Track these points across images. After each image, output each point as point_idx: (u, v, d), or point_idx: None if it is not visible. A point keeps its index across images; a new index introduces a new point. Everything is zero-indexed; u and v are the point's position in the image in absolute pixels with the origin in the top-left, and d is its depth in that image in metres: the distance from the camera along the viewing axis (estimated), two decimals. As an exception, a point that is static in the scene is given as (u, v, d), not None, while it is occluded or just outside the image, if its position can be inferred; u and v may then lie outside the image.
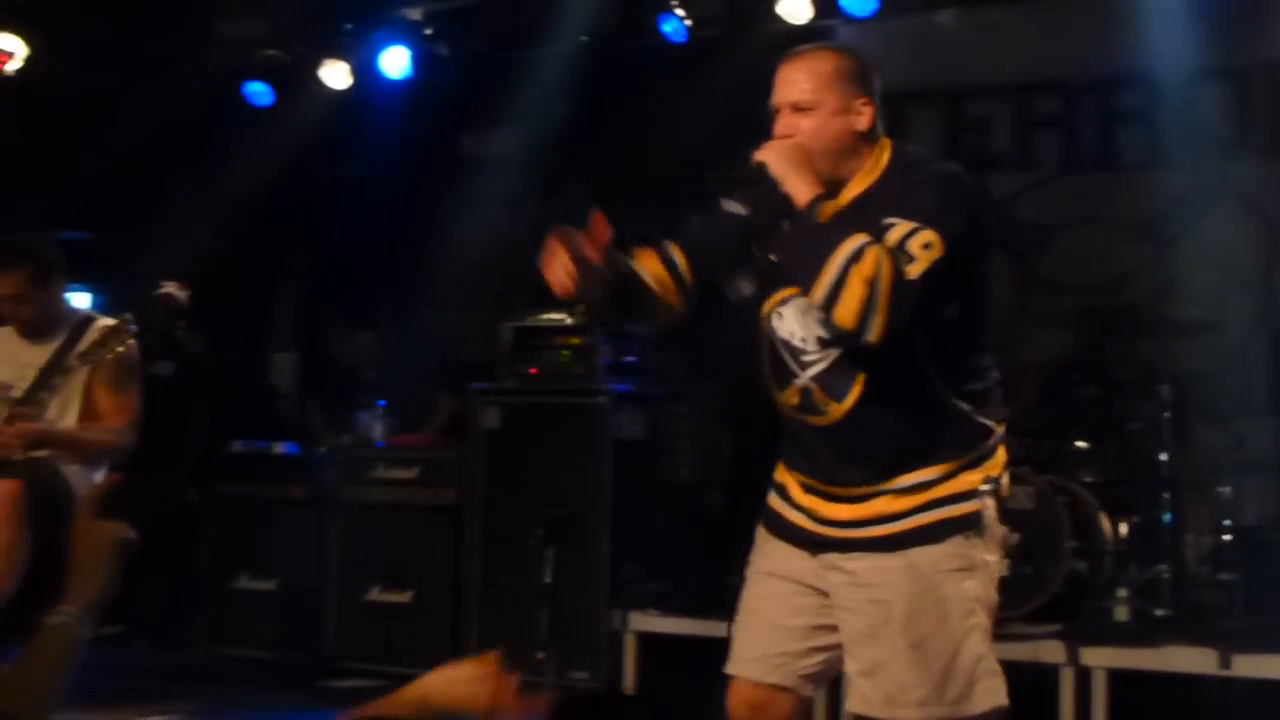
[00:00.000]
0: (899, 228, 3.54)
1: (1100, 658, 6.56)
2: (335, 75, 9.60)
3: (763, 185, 3.72)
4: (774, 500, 4.00)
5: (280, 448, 8.57)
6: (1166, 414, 7.24)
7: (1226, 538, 7.21)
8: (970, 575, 3.73)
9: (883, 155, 3.82)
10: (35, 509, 5.92)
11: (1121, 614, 6.90)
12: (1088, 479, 7.34)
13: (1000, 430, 3.87)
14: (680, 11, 8.80)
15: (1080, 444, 7.52)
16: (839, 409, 3.76)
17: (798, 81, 3.77)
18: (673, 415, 8.22)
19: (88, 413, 6.25)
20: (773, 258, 3.85)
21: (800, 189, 3.64)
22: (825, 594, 3.83)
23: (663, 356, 8.15)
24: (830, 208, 3.70)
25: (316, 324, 10.00)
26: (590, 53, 9.44)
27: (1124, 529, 7.19)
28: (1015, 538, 6.78)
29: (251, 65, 9.72)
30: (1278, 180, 8.42)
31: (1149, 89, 8.75)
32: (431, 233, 10.08)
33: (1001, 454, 3.87)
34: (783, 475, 4.00)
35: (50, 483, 6.12)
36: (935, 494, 3.74)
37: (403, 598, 8.03)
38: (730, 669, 3.97)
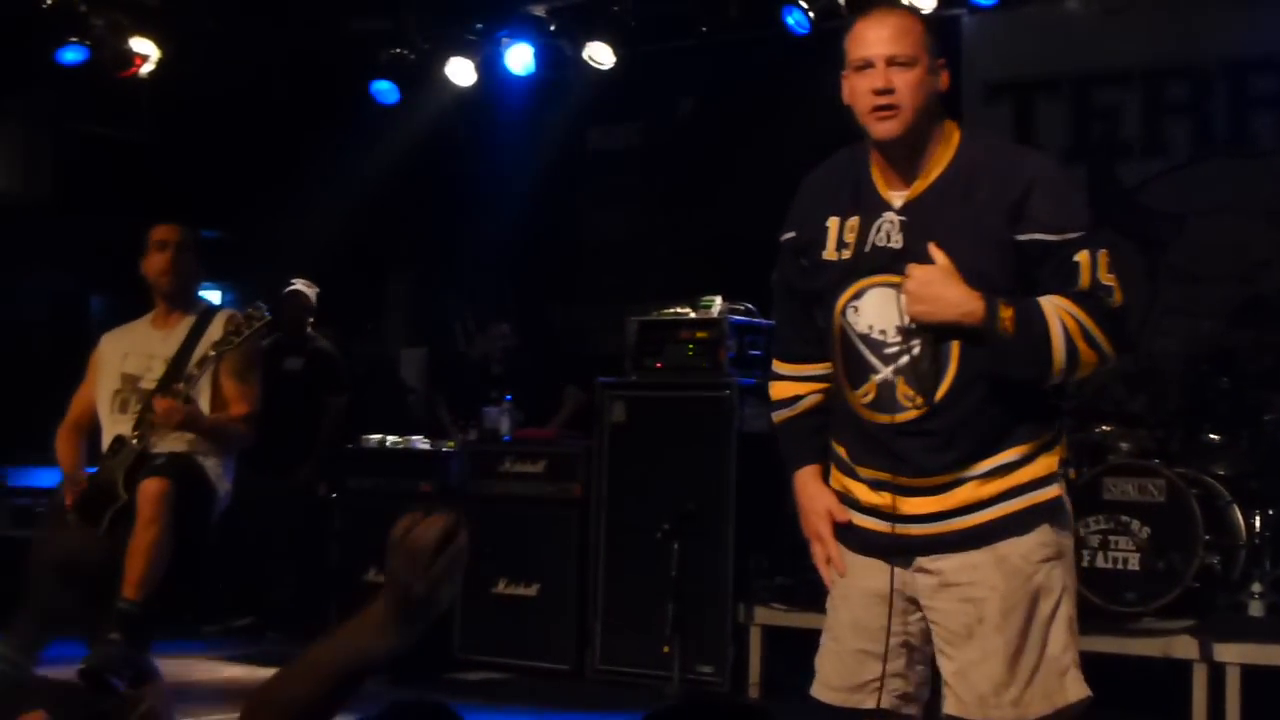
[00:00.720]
0: (1083, 264, 3.56)
1: (1234, 654, 6.47)
2: (460, 72, 9.67)
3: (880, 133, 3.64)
4: (848, 513, 3.86)
5: (409, 442, 8.65)
6: (1300, 405, 7.12)
7: (1363, 530, 7.09)
8: (1058, 563, 3.68)
9: (953, 132, 3.74)
10: (180, 507, 6.00)
11: (1256, 609, 6.80)
12: (1221, 471, 7.24)
13: (1066, 412, 3.88)
14: (803, 3, 8.75)
15: (1213, 436, 7.42)
16: (926, 403, 3.64)
17: (893, 36, 3.64)
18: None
19: (215, 402, 6.30)
20: (829, 255, 3.76)
21: (969, 313, 3.54)
22: (913, 600, 3.74)
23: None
24: (912, 190, 3.68)
25: (444, 319, 10.09)
26: (713, 46, 9.46)
27: (1258, 523, 7.08)
28: (1145, 532, 6.81)
29: (378, 63, 9.80)
30: None
31: (1280, 73, 8.63)
32: (558, 228, 10.16)
33: (1065, 437, 3.81)
34: (843, 481, 3.85)
35: (195, 480, 6.20)
36: (1017, 479, 3.66)
37: (529, 591, 8.09)
38: (816, 693, 3.88)
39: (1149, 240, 8.83)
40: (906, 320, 3.63)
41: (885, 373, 3.69)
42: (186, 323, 6.41)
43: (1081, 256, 3.57)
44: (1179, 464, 7.13)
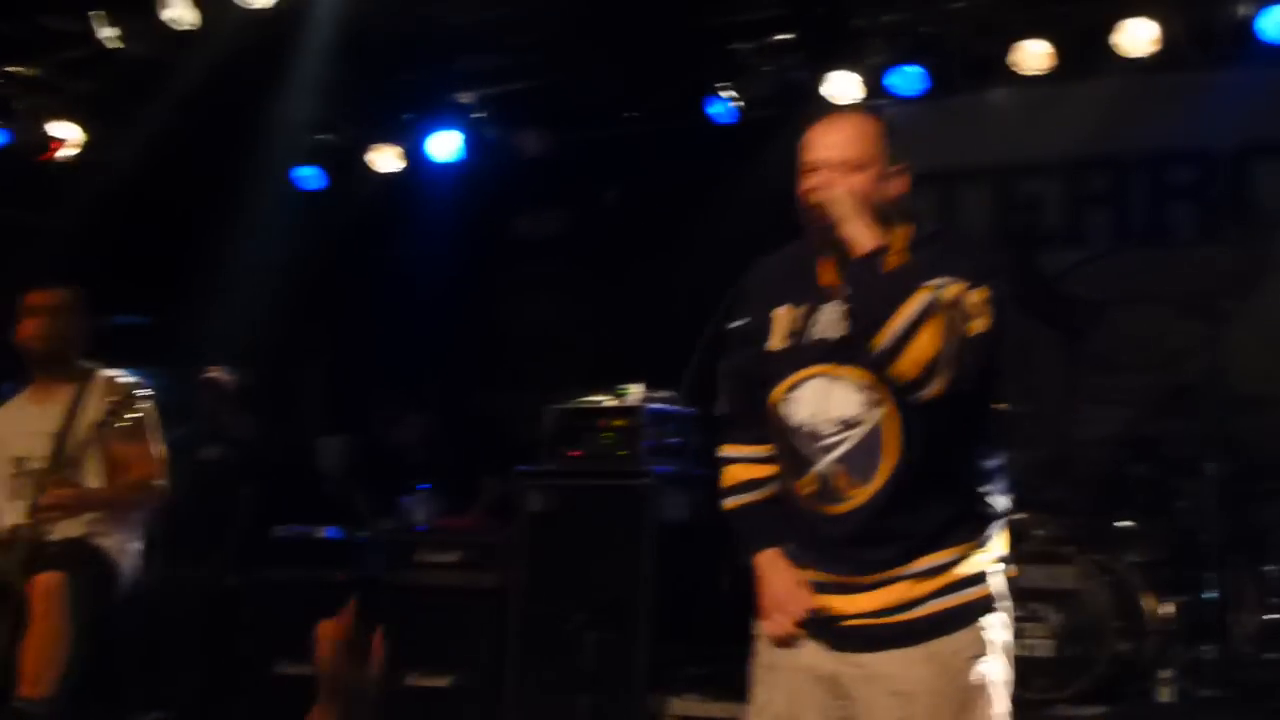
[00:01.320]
0: (953, 286, 3.57)
1: (1145, 740, 6.55)
2: (386, 159, 9.75)
3: (819, 227, 3.68)
4: None
5: (324, 532, 8.65)
6: (1215, 491, 7.21)
7: (1274, 616, 7.17)
8: (990, 660, 3.70)
9: (909, 229, 3.78)
10: (78, 597, 5.95)
11: (1166, 695, 6.87)
12: (1134, 558, 7.32)
13: (1008, 509, 3.84)
14: (731, 93, 8.89)
15: (1127, 523, 7.50)
16: (864, 492, 3.68)
17: (843, 140, 3.71)
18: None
19: (113, 468, 6.24)
20: (772, 346, 3.81)
21: (863, 234, 3.61)
22: (842, 691, 3.75)
23: (706, 437, 8.19)
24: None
25: (363, 407, 10.12)
26: (641, 135, 9.59)
27: (1170, 609, 7.17)
28: (1058, 619, 6.88)
29: (303, 150, 9.87)
30: (1329, 254, 8.44)
31: (1200, 165, 8.81)
32: (480, 315, 10.21)
33: (1007, 533, 3.85)
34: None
35: (93, 564, 6.15)
36: (952, 577, 3.69)
37: (442, 682, 8.04)
38: None
39: (1069, 329, 8.94)
40: (847, 404, 3.68)
41: (823, 464, 3.73)
42: (66, 393, 6.32)
43: (955, 283, 3.58)
44: (1092, 551, 7.20)
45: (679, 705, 7.50)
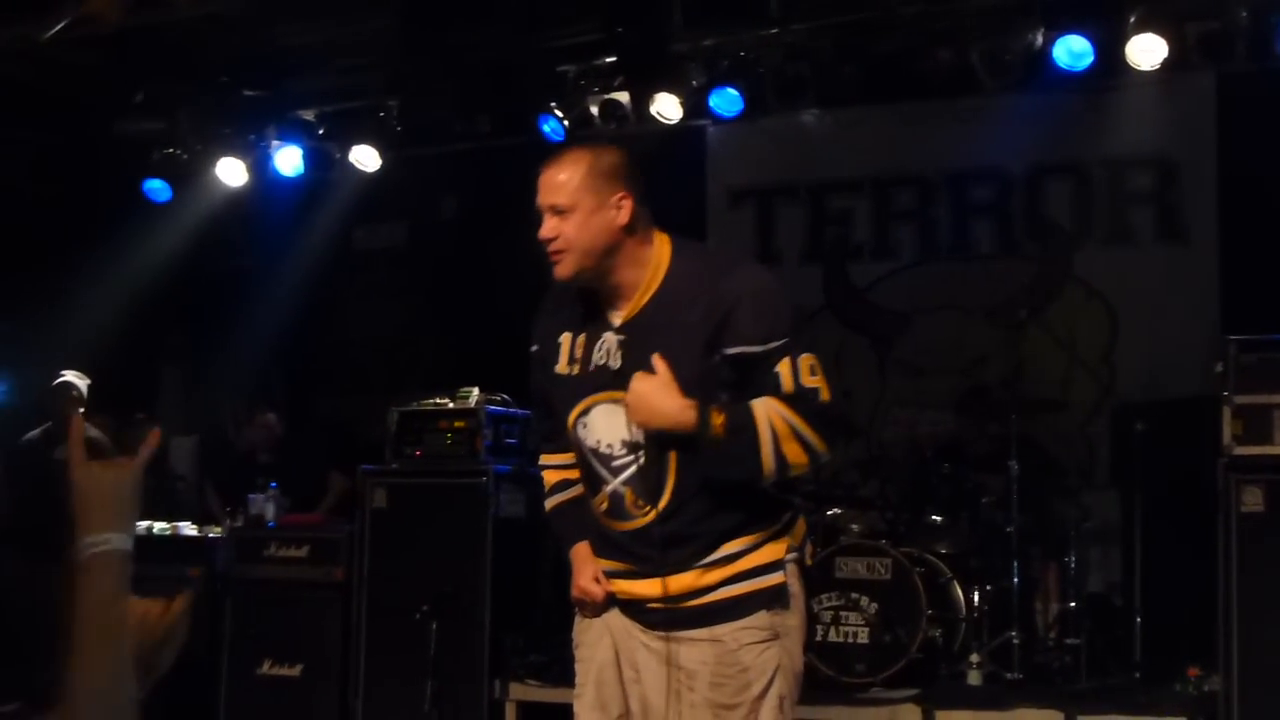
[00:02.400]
0: (784, 373, 3.57)
1: (954, 720, 6.58)
2: (231, 172, 9.53)
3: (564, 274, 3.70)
4: None
5: (176, 529, 8.42)
6: (1016, 488, 7.27)
7: (1072, 604, 7.26)
8: (772, 644, 3.69)
9: (663, 250, 3.74)
10: None
11: (975, 678, 6.92)
12: (943, 550, 7.38)
13: (799, 503, 3.87)
14: (559, 112, 8.80)
15: (936, 517, 7.56)
16: (653, 511, 3.68)
17: (555, 185, 3.70)
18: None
19: None
20: (560, 369, 3.80)
21: (682, 422, 3.56)
22: (636, 670, 3.77)
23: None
24: (627, 310, 3.71)
25: (214, 409, 9.87)
26: (476, 151, 9.48)
27: (977, 597, 7.22)
28: (874, 607, 6.90)
29: (151, 163, 9.61)
30: (1117, 267, 8.59)
31: (998, 183, 8.91)
32: (325, 322, 10.04)
33: (802, 525, 3.84)
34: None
35: None
36: (741, 566, 3.69)
37: (293, 672, 7.88)
38: None
39: (878, 336, 9.03)
40: (633, 428, 3.66)
41: (614, 484, 3.73)
42: None
43: (783, 366, 3.59)
44: (905, 544, 7.25)
45: (519, 691, 7.46)
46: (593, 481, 3.79)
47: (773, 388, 3.59)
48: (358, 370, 9.85)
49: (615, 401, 3.68)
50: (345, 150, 9.36)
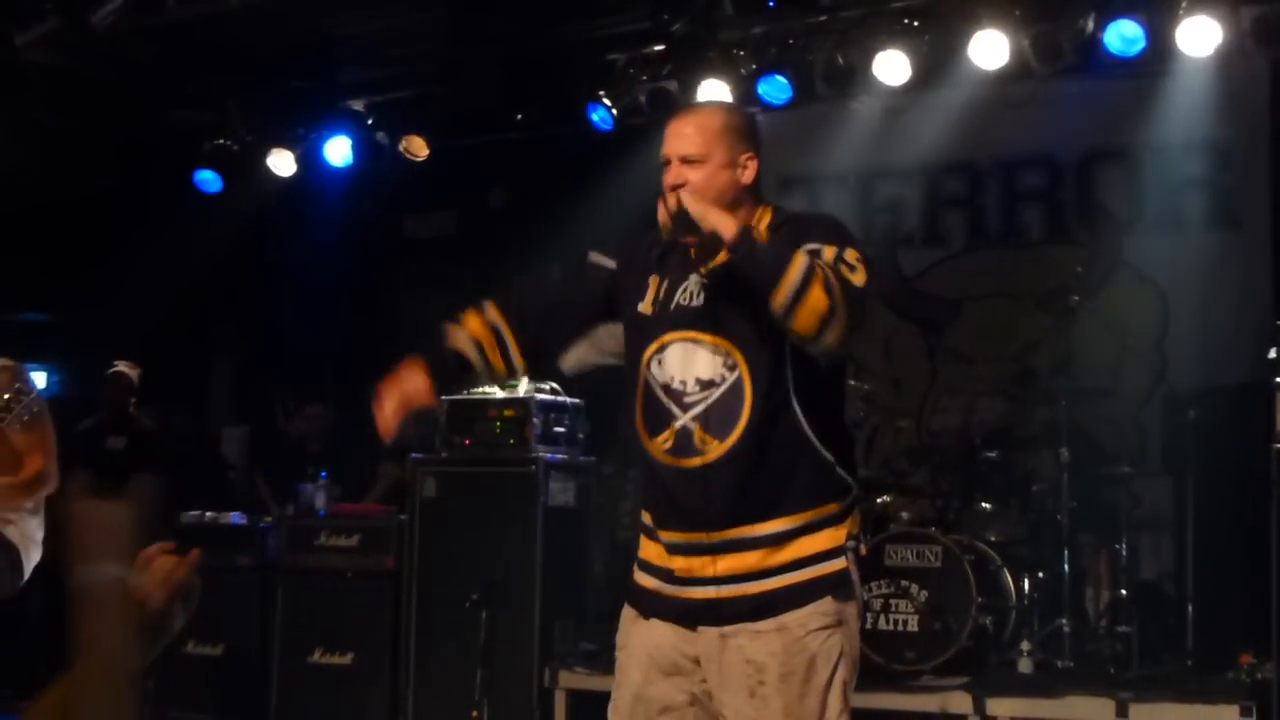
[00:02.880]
0: (828, 249, 3.56)
1: (1005, 708, 6.56)
2: (281, 163, 9.60)
3: (683, 233, 3.67)
4: (640, 578, 3.87)
5: (228, 518, 8.49)
6: (1066, 475, 7.26)
7: (1123, 592, 7.24)
8: (836, 631, 3.69)
9: (765, 215, 3.80)
10: None
11: (1025, 666, 6.91)
12: (993, 538, 7.37)
13: (855, 490, 3.83)
14: (607, 101, 8.82)
15: (986, 505, 7.55)
16: (720, 446, 3.67)
17: (687, 135, 3.74)
18: (609, 478, 8.22)
19: (10, 459, 5.96)
20: (643, 309, 3.81)
21: (726, 222, 3.59)
22: (696, 661, 3.73)
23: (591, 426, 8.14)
24: (720, 260, 3.70)
25: (265, 399, 9.96)
26: (525, 140, 9.52)
27: (1027, 585, 7.22)
28: (924, 595, 6.90)
29: (201, 154, 9.69)
30: (1167, 253, 8.55)
31: (1048, 170, 8.88)
32: (375, 311, 10.10)
33: (858, 513, 3.83)
34: (646, 549, 3.88)
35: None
36: (804, 549, 3.68)
37: (344, 660, 7.94)
38: None
39: (928, 324, 9.01)
40: (713, 364, 3.68)
41: (684, 419, 3.72)
42: None
43: (828, 246, 3.58)
44: (955, 531, 7.25)
45: (568, 679, 7.46)
46: (659, 419, 3.76)
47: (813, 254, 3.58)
48: (408, 359, 9.90)
49: (694, 341, 3.72)
50: (395, 140, 9.43)
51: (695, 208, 3.62)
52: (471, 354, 3.98)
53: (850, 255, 3.58)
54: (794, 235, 3.67)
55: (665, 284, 3.81)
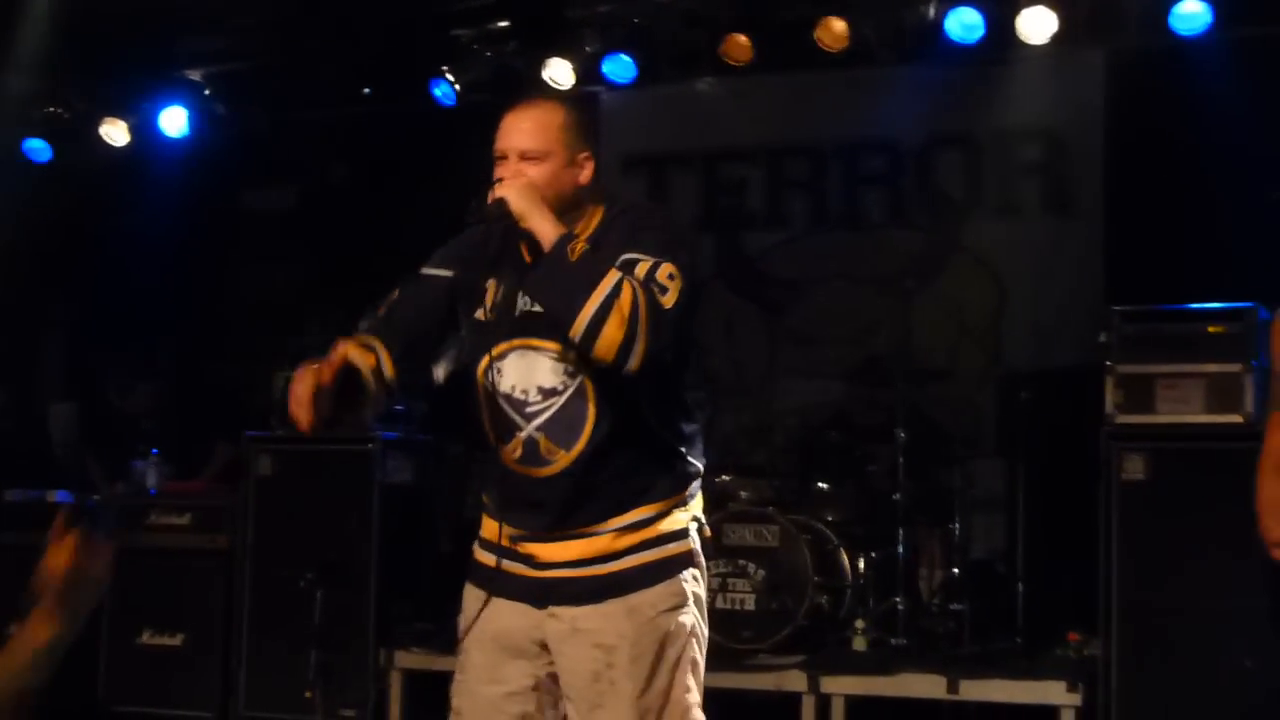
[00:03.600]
0: (643, 263, 3.52)
1: (839, 685, 6.68)
2: (115, 133, 9.41)
3: (501, 222, 3.59)
4: (482, 555, 3.82)
5: (55, 495, 8.31)
6: (903, 456, 7.36)
7: (956, 571, 7.38)
8: (686, 610, 3.70)
9: (596, 215, 3.75)
10: None
11: (860, 644, 7.00)
12: (830, 518, 7.45)
13: (702, 471, 3.84)
14: (450, 76, 8.76)
15: (823, 485, 7.63)
16: (567, 456, 3.65)
17: (526, 130, 3.64)
18: (457, 457, 8.18)
19: None
20: (480, 315, 3.75)
21: (546, 226, 3.53)
22: (543, 645, 3.71)
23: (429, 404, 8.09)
24: None
25: (96, 375, 9.75)
26: (367, 114, 9.43)
27: (863, 565, 7.31)
28: (761, 574, 6.96)
29: (31, 121, 9.46)
30: (1006, 239, 8.70)
31: (890, 154, 8.99)
32: (211, 286, 9.94)
33: (703, 495, 3.85)
34: (487, 526, 3.83)
35: None
36: (651, 532, 3.68)
37: (173, 641, 7.85)
38: None
39: (769, 305, 9.08)
40: (553, 372, 3.63)
41: (529, 430, 3.68)
42: None
43: (644, 260, 3.54)
44: (793, 511, 7.31)
45: (405, 659, 7.45)
46: (505, 428, 3.72)
47: (625, 267, 3.54)
48: (244, 336, 9.75)
49: (533, 348, 3.66)
50: (232, 111, 9.29)
51: (518, 204, 3.55)
52: (367, 377, 3.75)
53: (664, 272, 3.51)
54: (623, 233, 3.65)
55: (503, 288, 3.75)
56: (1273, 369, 4.13)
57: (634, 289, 3.45)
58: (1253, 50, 7.69)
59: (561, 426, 3.66)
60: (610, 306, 3.42)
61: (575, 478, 3.66)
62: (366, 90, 9.25)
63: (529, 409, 3.68)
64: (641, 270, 3.51)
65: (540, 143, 3.63)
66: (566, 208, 3.66)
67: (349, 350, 3.72)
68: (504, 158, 3.66)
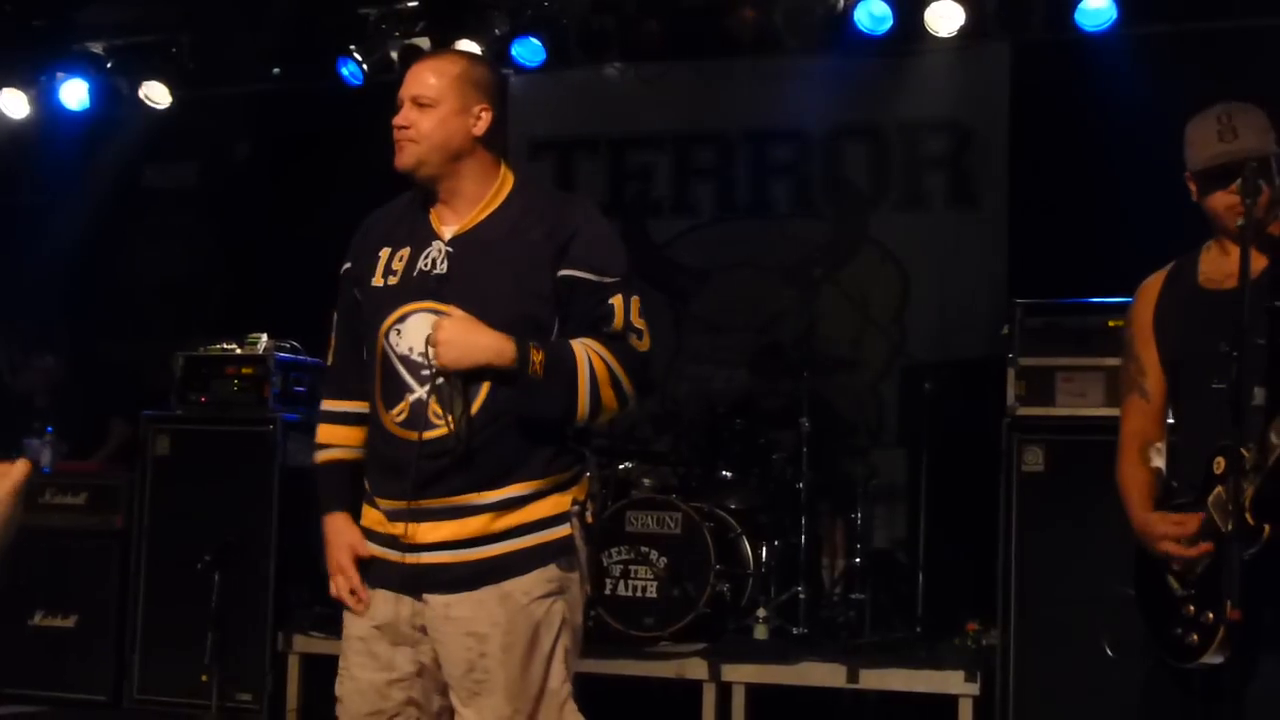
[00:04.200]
0: (617, 307, 3.65)
1: (740, 674, 6.67)
2: (13, 104, 9.23)
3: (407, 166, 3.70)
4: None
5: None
6: (806, 445, 7.37)
7: (858, 560, 7.41)
8: (560, 598, 3.68)
9: (508, 177, 3.80)
10: None
11: (761, 632, 7.02)
12: (733, 505, 7.45)
13: (589, 457, 3.83)
14: (358, 56, 8.66)
15: (727, 473, 7.63)
16: (453, 420, 3.60)
17: (422, 78, 3.72)
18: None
19: None
20: (377, 282, 3.75)
21: (500, 355, 3.56)
22: (422, 629, 3.67)
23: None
24: (462, 224, 3.72)
25: (-11, 352, 9.57)
26: (273, 92, 9.31)
27: (765, 553, 7.32)
28: (663, 562, 6.95)
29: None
30: (910, 229, 8.74)
31: (797, 144, 9.00)
32: (110, 263, 9.78)
33: (587, 481, 3.81)
34: (367, 516, 3.79)
35: None
36: (529, 515, 3.65)
37: (67, 623, 7.72)
38: None
39: (675, 293, 9.07)
40: (434, 365, 3.60)
41: (420, 392, 3.64)
42: None
43: (616, 300, 3.66)
44: (696, 499, 7.30)
45: (302, 643, 7.38)
46: (395, 391, 3.68)
47: (601, 320, 3.64)
48: (143, 313, 9.62)
49: (435, 311, 3.64)
50: (135, 86, 9.14)
51: (449, 357, 3.57)
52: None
53: (635, 310, 3.69)
54: (550, 226, 3.67)
55: (401, 254, 3.75)
56: (1127, 352, 4.16)
57: (602, 359, 3.61)
58: (1156, 47, 7.77)
59: (454, 390, 3.62)
60: (596, 390, 3.61)
61: (453, 443, 3.61)
62: (275, 70, 9.14)
63: (424, 371, 3.65)
64: (619, 320, 3.66)
65: (434, 90, 3.70)
66: (459, 155, 3.72)
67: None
68: (402, 104, 3.73)
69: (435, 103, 3.69)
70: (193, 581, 7.13)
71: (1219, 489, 3.67)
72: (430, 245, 3.72)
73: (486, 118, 3.74)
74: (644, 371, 3.70)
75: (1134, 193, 7.54)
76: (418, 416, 3.64)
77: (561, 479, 3.72)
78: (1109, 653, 4.73)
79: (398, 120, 3.71)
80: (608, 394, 3.61)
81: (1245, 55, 7.32)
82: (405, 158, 3.70)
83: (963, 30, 7.80)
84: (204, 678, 7.06)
